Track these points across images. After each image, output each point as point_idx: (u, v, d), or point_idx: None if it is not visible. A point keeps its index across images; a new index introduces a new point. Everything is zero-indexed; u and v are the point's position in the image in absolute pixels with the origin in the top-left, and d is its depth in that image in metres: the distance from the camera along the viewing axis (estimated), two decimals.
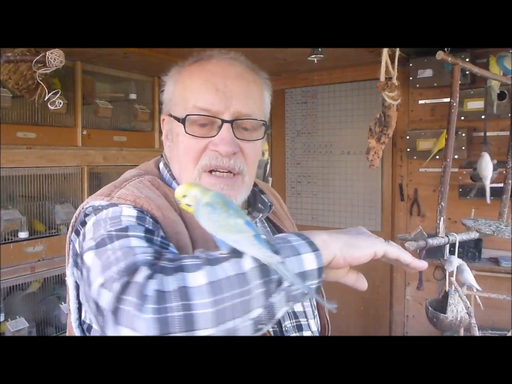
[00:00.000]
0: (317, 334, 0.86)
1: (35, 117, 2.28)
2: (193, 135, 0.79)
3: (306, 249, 0.60)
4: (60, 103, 1.81)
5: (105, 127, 2.65)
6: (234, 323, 0.53)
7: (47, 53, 1.68)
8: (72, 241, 0.75)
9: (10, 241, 2.14)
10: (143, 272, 0.56)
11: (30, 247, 2.21)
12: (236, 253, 0.59)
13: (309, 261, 0.59)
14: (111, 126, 2.69)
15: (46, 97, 1.77)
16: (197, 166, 0.80)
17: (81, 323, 0.74)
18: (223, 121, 0.78)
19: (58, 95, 1.81)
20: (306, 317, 0.85)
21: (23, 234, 2.19)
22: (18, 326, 2.12)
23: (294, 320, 0.83)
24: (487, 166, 2.15)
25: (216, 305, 0.53)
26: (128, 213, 0.70)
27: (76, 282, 0.74)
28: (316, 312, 0.89)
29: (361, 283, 0.68)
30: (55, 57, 1.67)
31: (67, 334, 0.78)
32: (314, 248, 0.60)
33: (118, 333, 0.53)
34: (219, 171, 0.80)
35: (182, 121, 0.79)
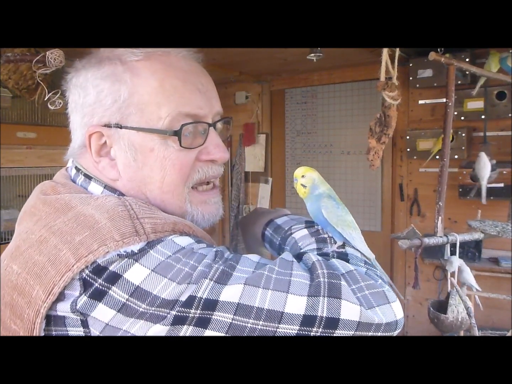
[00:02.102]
0: None
1: (35, 117, 2.28)
2: (188, 148, 0.66)
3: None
4: (60, 103, 1.81)
5: None
6: None
7: (47, 53, 1.68)
8: (77, 310, 0.54)
9: (10, 241, 2.14)
10: (342, 262, 0.63)
11: None
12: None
13: None
14: None
15: (46, 97, 1.77)
16: (187, 182, 0.67)
17: None
18: (209, 125, 0.68)
19: (58, 95, 1.81)
20: None
21: None
22: None
23: None
24: (484, 166, 2.15)
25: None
26: (186, 242, 0.58)
27: None
28: None
29: None
30: (55, 57, 1.67)
31: None
32: None
33: (375, 315, 0.57)
34: (205, 184, 0.70)
35: (176, 133, 0.64)
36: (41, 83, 1.77)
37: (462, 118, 2.60)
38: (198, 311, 0.53)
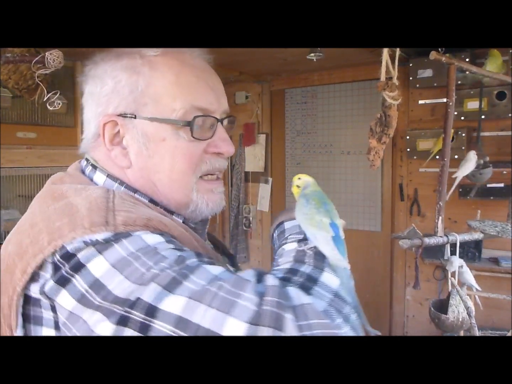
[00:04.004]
0: None
1: (35, 117, 2.28)
2: (198, 139, 0.69)
3: None
4: (59, 104, 1.81)
5: None
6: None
7: (46, 53, 1.68)
8: (44, 292, 0.55)
9: None
10: (298, 292, 0.56)
11: None
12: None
13: None
14: None
15: (45, 98, 1.78)
16: (195, 172, 0.71)
17: None
18: (218, 120, 0.72)
19: (57, 95, 1.81)
20: None
21: None
22: None
23: None
24: (465, 163, 2.14)
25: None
26: (154, 240, 0.58)
27: None
28: None
29: None
30: (54, 57, 1.67)
31: None
32: None
33: None
34: (210, 175, 0.74)
35: (189, 123, 0.68)
36: (41, 83, 1.77)
37: (462, 118, 2.59)
38: (142, 315, 0.51)
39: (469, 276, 1.70)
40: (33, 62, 1.69)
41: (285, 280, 0.61)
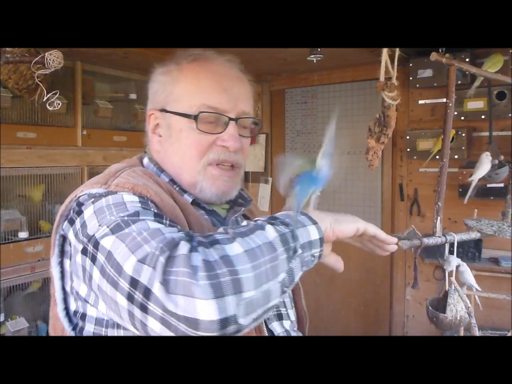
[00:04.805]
0: (295, 324, 0.94)
1: (35, 117, 2.28)
2: (203, 131, 0.84)
3: (309, 222, 0.72)
4: (59, 104, 1.81)
5: (105, 127, 2.65)
6: (268, 286, 0.61)
7: (46, 54, 1.68)
8: (63, 230, 0.75)
9: (10, 241, 2.14)
10: (185, 246, 0.61)
11: (30, 247, 2.20)
12: (259, 226, 0.68)
13: (314, 232, 0.71)
14: (111, 126, 2.68)
15: (45, 98, 1.77)
16: (203, 159, 0.86)
17: (68, 312, 0.77)
18: (230, 118, 0.85)
19: (57, 95, 1.81)
20: (285, 306, 0.93)
21: (23, 234, 2.19)
22: (18, 326, 2.12)
23: (275, 309, 0.88)
24: (480, 165, 2.13)
25: (254, 270, 0.60)
26: (130, 199, 0.72)
27: (61, 272, 0.77)
28: (293, 303, 0.98)
29: (340, 264, 0.79)
30: (54, 58, 1.67)
31: (50, 327, 0.80)
32: (314, 222, 0.73)
33: (171, 301, 0.56)
34: (224, 165, 0.87)
35: (195, 117, 0.84)
36: (40, 84, 1.77)
37: (462, 118, 2.59)
38: (92, 247, 0.66)
39: (469, 276, 1.70)
40: (33, 62, 1.68)
41: (192, 239, 0.64)
